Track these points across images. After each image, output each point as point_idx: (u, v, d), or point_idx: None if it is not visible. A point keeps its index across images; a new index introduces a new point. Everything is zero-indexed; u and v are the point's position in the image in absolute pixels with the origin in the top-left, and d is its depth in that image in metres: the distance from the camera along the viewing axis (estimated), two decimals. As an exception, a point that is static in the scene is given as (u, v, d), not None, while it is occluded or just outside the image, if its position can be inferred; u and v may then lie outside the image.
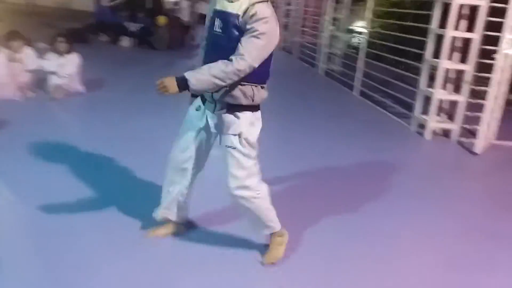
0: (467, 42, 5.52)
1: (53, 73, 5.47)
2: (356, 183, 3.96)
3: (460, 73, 5.64)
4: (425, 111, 5.74)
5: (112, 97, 5.95)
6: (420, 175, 4.36)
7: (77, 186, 3.26)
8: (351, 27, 11.23)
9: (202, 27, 2.50)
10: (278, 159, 4.14)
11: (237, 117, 2.27)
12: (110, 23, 11.02)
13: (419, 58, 6.10)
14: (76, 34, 9.69)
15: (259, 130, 2.35)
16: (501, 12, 4.98)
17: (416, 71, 6.18)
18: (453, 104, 5.69)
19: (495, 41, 5.05)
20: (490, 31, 5.22)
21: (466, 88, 5.48)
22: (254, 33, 2.08)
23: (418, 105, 5.81)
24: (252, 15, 2.07)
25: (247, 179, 2.32)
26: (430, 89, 5.67)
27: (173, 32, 10.83)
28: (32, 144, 3.94)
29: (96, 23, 11.46)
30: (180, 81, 2.14)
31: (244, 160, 2.29)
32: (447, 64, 5.50)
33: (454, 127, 5.58)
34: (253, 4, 2.09)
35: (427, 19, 5.90)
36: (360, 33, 13.69)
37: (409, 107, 6.11)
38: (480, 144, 5.15)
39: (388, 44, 7.99)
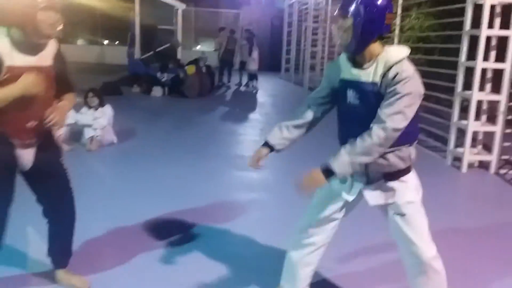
0: (499, 72, 5.40)
1: (88, 126, 5.67)
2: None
3: (493, 103, 5.50)
4: (459, 143, 5.58)
5: (142, 146, 6.08)
6: (460, 210, 4.18)
7: (108, 231, 3.29)
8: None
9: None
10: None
11: (404, 182, 2.09)
12: (143, 75, 11.46)
13: (450, 91, 6.01)
14: (111, 87, 10.14)
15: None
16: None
17: (448, 104, 6.07)
18: (489, 135, 5.52)
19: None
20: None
21: (501, 118, 5.31)
22: (396, 96, 1.88)
23: (452, 138, 5.66)
24: (393, 77, 1.89)
25: (431, 246, 2.12)
26: (463, 121, 5.53)
27: (202, 80, 11.14)
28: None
29: (130, 75, 11.95)
30: (325, 170, 1.96)
31: (422, 226, 2.10)
32: (479, 95, 5.38)
33: (492, 158, 5.38)
34: (392, 66, 1.91)
35: (455, 52, 5.84)
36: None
37: (443, 141, 5.95)
38: (522, 175, 4.93)
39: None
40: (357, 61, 2.03)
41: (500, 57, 5.39)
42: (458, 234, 3.62)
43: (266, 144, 2.29)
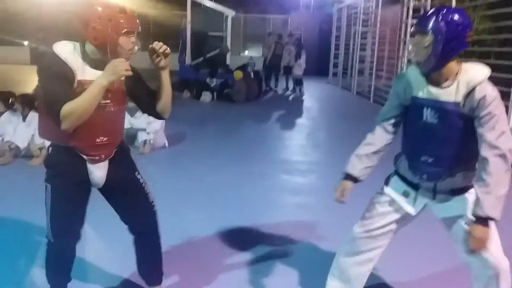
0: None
1: (142, 130, 5.93)
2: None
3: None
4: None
5: (192, 149, 6.29)
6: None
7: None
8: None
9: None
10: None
11: (472, 193, 2.04)
12: (193, 81, 11.78)
13: (506, 96, 5.80)
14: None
15: None
16: None
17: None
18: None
19: None
20: None
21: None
22: (494, 118, 1.88)
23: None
24: (481, 100, 1.88)
25: (504, 256, 2.07)
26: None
27: (249, 85, 11.30)
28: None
29: (180, 81, 12.32)
30: (486, 223, 1.92)
31: (495, 235, 2.04)
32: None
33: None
34: (475, 87, 1.90)
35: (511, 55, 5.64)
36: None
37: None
38: None
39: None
40: (433, 79, 2.01)
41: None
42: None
43: (348, 176, 2.25)
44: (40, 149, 5.24)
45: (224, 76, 11.54)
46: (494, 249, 2.03)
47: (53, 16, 16.94)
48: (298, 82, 13.19)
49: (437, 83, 2.00)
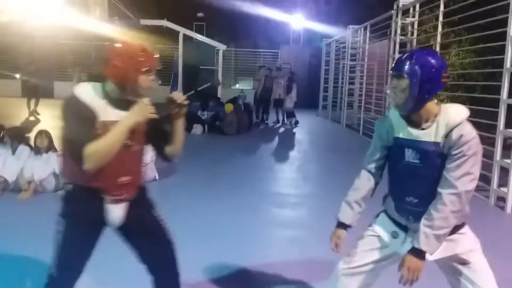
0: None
1: (132, 162, 5.90)
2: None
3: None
4: (503, 183, 5.41)
5: (183, 182, 6.25)
6: (503, 254, 4.02)
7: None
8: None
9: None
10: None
11: (462, 233, 2.08)
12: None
13: (492, 128, 5.89)
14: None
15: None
16: None
17: (490, 142, 5.94)
18: (535, 174, 5.33)
19: None
20: None
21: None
22: (463, 158, 1.90)
23: (495, 177, 5.51)
24: (457, 140, 1.91)
25: None
26: (506, 160, 5.39)
27: (240, 117, 11.38)
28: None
29: (171, 114, 12.34)
30: (419, 255, 1.95)
31: (489, 273, 2.08)
32: (522, 133, 5.26)
33: (540, 199, 5.18)
34: (454, 127, 1.93)
35: (497, 89, 5.77)
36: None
37: (486, 180, 5.79)
38: None
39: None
40: (413, 120, 2.04)
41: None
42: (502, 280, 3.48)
43: (341, 225, 2.25)
44: (29, 182, 5.19)
45: (215, 109, 11.64)
46: (489, 286, 2.03)
47: (45, 49, 17.10)
48: (289, 115, 13.34)
49: (417, 125, 2.03)
